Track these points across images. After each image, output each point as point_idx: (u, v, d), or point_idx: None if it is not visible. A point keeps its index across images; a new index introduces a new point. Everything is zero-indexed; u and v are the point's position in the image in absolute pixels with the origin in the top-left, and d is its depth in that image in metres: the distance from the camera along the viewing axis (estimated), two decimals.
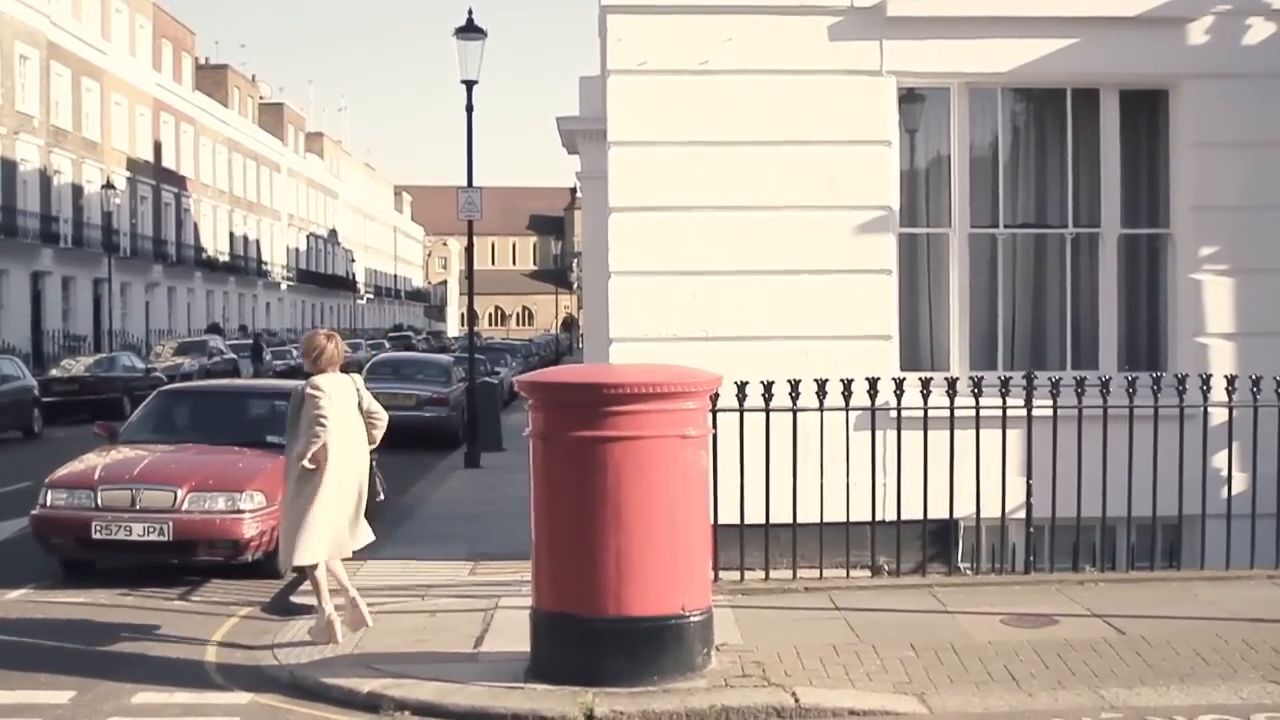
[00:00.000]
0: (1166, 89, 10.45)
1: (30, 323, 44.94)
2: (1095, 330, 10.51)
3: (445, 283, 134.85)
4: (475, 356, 22.90)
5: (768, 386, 8.84)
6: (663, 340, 9.78)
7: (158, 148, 59.63)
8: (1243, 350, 10.09)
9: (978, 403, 9.04)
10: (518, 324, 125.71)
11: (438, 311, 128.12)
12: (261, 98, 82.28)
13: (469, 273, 21.26)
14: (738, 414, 8.87)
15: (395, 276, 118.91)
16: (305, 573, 8.39)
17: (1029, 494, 9.22)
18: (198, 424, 12.30)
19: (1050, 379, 9.20)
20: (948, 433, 9.08)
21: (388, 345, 57.42)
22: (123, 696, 7.21)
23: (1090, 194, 10.55)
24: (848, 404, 8.99)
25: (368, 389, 8.51)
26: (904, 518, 9.12)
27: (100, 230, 49.15)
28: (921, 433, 8.97)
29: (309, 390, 8.18)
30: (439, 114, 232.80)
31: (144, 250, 56.55)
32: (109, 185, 48.42)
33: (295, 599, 9.22)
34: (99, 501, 10.42)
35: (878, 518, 9.15)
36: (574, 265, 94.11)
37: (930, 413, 9.03)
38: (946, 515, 9.21)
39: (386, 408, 8.81)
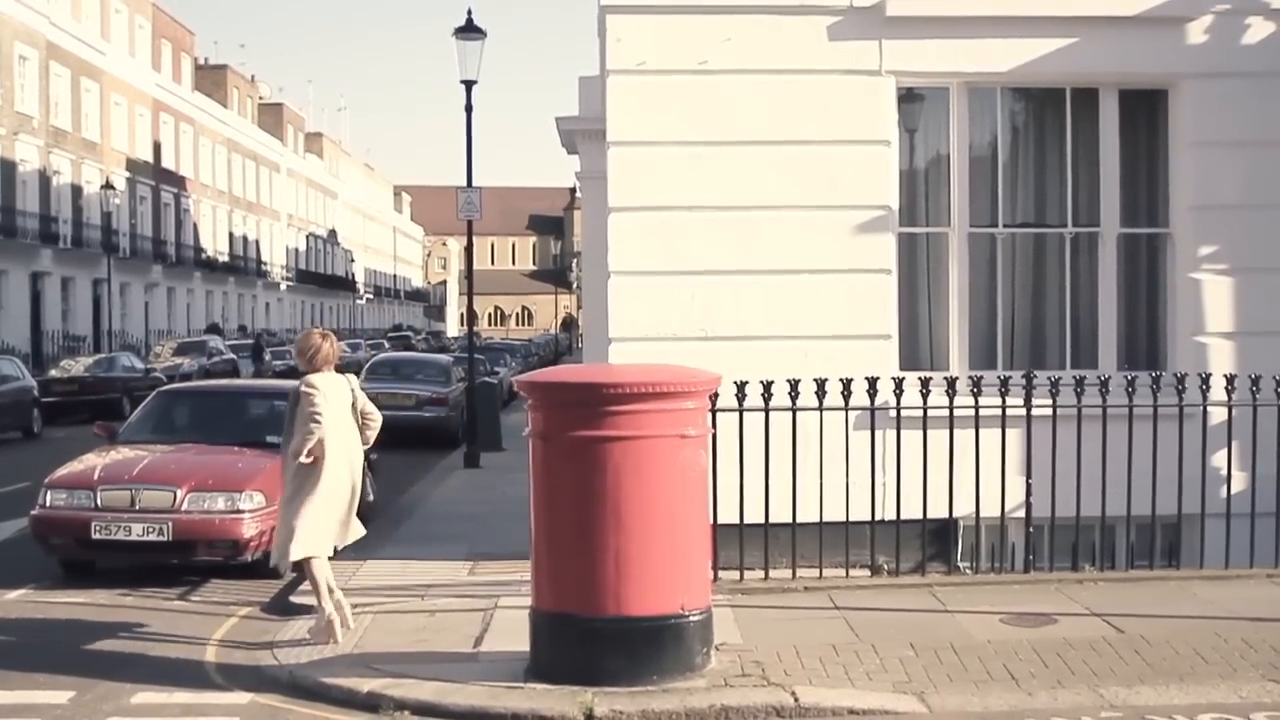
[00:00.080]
0: (1166, 88, 10.45)
1: (30, 323, 44.91)
2: (1094, 330, 10.51)
3: (444, 283, 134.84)
4: (475, 356, 22.89)
5: (767, 386, 8.84)
6: (662, 340, 9.77)
7: (157, 148, 59.58)
8: (1242, 349, 10.09)
9: (977, 402, 9.03)
10: (517, 324, 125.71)
11: (437, 311, 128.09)
12: (261, 98, 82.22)
13: (468, 273, 21.26)
14: (737, 414, 8.86)
15: (395, 276, 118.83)
16: (305, 572, 8.40)
17: (1028, 493, 9.21)
18: (197, 424, 12.32)
19: (1050, 378, 9.19)
20: (947, 432, 9.07)
21: (387, 345, 57.37)
22: (122, 696, 7.21)
23: (1090, 193, 10.55)
24: (847, 404, 8.99)
25: (367, 389, 8.53)
26: (903, 517, 9.12)
27: (100, 230, 49.10)
28: (921, 432, 8.97)
29: (304, 388, 8.20)
30: (439, 114, 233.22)
31: (143, 250, 56.51)
32: (108, 185, 48.37)
33: (295, 599, 9.23)
34: (98, 502, 10.43)
35: (877, 517, 9.15)
36: (573, 265, 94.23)
37: (930, 412, 9.03)
38: (946, 515, 9.20)
39: (386, 408, 8.84)
